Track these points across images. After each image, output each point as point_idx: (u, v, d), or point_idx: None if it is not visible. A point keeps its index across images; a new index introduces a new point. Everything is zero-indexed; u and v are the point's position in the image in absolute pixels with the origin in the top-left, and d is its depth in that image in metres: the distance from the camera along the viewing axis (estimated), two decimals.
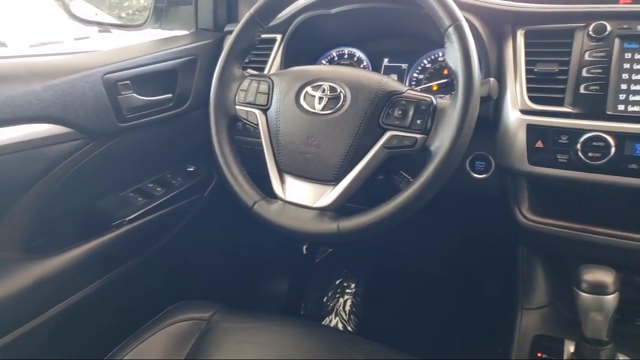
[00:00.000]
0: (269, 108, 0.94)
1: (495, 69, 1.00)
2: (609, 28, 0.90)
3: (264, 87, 0.96)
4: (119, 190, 1.29)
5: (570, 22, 0.95)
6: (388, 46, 1.24)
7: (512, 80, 0.97)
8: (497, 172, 1.01)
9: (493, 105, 0.99)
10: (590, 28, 0.92)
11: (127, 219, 1.22)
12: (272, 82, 0.96)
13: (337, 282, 1.77)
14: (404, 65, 1.22)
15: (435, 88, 1.17)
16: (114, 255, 1.20)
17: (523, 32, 0.99)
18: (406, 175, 0.95)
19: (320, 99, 0.89)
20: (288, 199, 0.89)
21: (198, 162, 1.41)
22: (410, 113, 0.83)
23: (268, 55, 1.26)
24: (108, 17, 1.64)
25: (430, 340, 1.44)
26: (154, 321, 1.00)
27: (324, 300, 1.73)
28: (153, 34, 1.51)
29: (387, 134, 0.84)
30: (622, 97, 0.88)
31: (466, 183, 1.05)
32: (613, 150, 0.86)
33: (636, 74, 0.88)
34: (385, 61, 1.25)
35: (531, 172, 0.93)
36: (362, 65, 1.26)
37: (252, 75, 1.00)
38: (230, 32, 1.01)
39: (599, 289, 0.75)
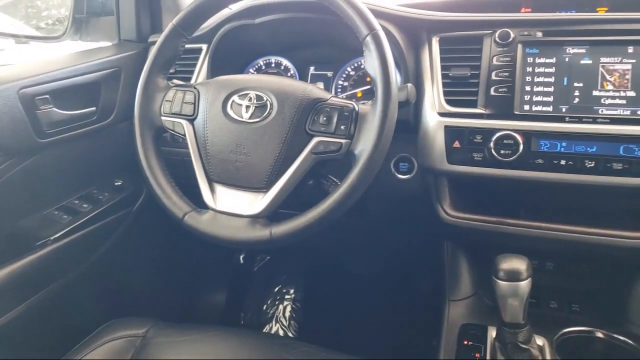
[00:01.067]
0: (195, 118, 0.94)
1: (414, 75, 1.06)
2: (512, 35, 0.98)
3: (189, 97, 0.95)
4: (43, 209, 1.23)
5: (478, 30, 1.02)
6: (314, 55, 1.27)
7: (430, 84, 1.03)
8: (420, 172, 1.07)
9: (413, 109, 1.05)
10: (496, 35, 0.99)
11: (52, 238, 1.17)
12: (198, 92, 0.95)
13: (276, 289, 1.78)
14: (330, 73, 1.26)
15: (359, 94, 1.21)
16: (38, 277, 1.14)
17: (438, 39, 1.05)
18: (334, 179, 0.97)
19: (247, 107, 0.90)
20: (219, 208, 0.90)
21: (125, 176, 1.37)
22: (335, 119, 0.86)
23: (194, 66, 1.26)
24: (25, 28, 1.56)
25: (368, 338, 1.48)
26: (87, 341, 0.96)
27: (264, 308, 1.73)
28: (74, 46, 1.46)
29: (314, 140, 0.86)
30: (527, 97, 0.96)
31: (392, 184, 1.10)
32: (521, 147, 0.93)
33: (537, 77, 0.96)
34: (312, 69, 1.28)
35: (450, 171, 0.99)
36: (289, 74, 1.28)
37: (177, 85, 1.00)
38: (154, 43, 1.00)
39: (513, 276, 0.81)
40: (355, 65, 1.22)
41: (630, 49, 0.92)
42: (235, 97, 0.92)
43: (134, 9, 1.40)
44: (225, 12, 1.21)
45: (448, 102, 1.00)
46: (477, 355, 0.90)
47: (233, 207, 0.88)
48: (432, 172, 1.04)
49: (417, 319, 1.23)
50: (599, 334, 0.96)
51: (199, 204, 0.93)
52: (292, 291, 1.77)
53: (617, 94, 0.91)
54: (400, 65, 1.07)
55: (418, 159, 1.06)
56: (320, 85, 1.25)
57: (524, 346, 0.83)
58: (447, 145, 0.98)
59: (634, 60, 0.91)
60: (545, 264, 1.09)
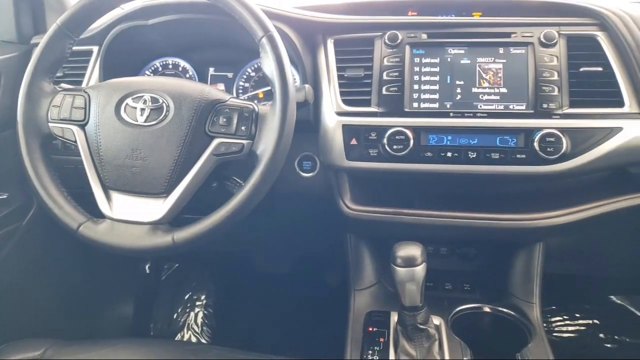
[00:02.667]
0: (87, 123, 0.90)
1: (312, 76, 1.09)
2: (400, 37, 1.05)
3: (79, 101, 0.91)
4: None
5: (370, 32, 1.08)
6: (213, 56, 1.26)
7: (327, 85, 1.07)
8: (322, 170, 1.10)
9: (312, 109, 1.08)
10: (386, 37, 1.05)
11: None
12: (89, 95, 0.91)
13: (186, 296, 1.74)
14: (230, 74, 1.25)
15: (261, 95, 1.23)
16: None
17: (332, 41, 1.09)
18: (238, 180, 0.98)
19: (142, 110, 0.88)
20: (117, 216, 0.86)
21: (12, 188, 1.27)
22: (235, 120, 0.86)
23: (85, 69, 1.19)
24: None
25: (282, 336, 1.50)
26: None
27: (174, 316, 1.69)
28: None
29: (215, 142, 0.86)
30: (415, 96, 1.03)
31: (297, 182, 1.12)
32: (412, 142, 0.99)
33: (424, 76, 1.04)
34: (211, 70, 1.27)
35: (349, 167, 1.03)
36: (187, 76, 1.26)
37: (65, 89, 0.94)
38: (37, 44, 0.94)
39: (409, 262, 0.87)
40: (256, 66, 1.23)
41: (501, 50, 1.02)
42: (129, 100, 0.89)
43: (12, 7, 1.30)
44: (116, 13, 1.16)
45: (345, 101, 1.05)
46: (382, 339, 0.96)
47: (132, 214, 0.86)
48: (333, 169, 1.08)
49: (327, 311, 1.27)
50: (487, 309, 1.06)
51: (96, 214, 0.89)
52: (203, 297, 1.74)
53: (492, 90, 1.01)
54: (298, 67, 1.10)
55: (320, 157, 1.10)
56: (221, 86, 1.25)
57: (422, 327, 0.89)
58: (345, 142, 1.03)
59: (504, 60, 1.01)
60: (439, 249, 1.18)
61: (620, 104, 0.96)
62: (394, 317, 0.98)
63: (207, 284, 1.78)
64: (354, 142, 1.03)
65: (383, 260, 1.16)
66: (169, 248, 0.83)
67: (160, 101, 0.88)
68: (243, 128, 0.86)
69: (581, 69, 0.99)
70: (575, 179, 0.99)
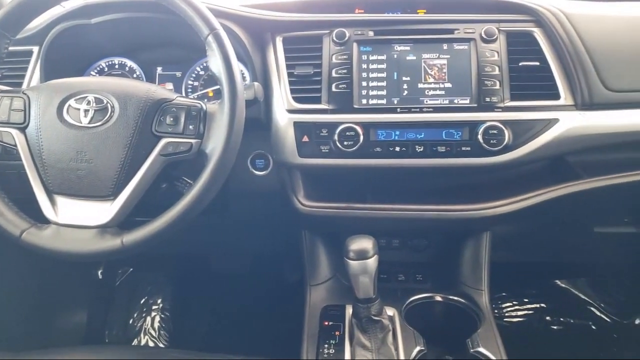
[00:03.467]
0: (27, 126, 0.87)
1: (261, 74, 1.09)
2: (347, 34, 1.06)
3: (18, 103, 0.88)
4: None
5: (318, 30, 1.09)
6: (161, 55, 1.24)
7: (277, 83, 1.07)
8: (275, 167, 1.11)
9: (264, 106, 1.08)
10: (334, 34, 1.06)
11: None
12: (28, 97, 0.88)
13: (142, 300, 1.70)
14: (179, 74, 1.24)
15: (211, 94, 1.22)
16: None
17: (281, 38, 1.10)
18: (188, 180, 0.97)
19: (86, 111, 0.85)
20: (62, 221, 0.84)
21: None
22: (182, 119, 0.85)
23: (25, 70, 1.15)
24: None
25: (240, 335, 1.50)
26: None
27: (130, 322, 1.65)
28: None
29: (162, 142, 0.85)
30: (364, 92, 1.05)
31: (250, 181, 1.12)
32: (362, 137, 1.01)
33: (372, 73, 1.05)
34: (159, 70, 1.24)
35: (302, 164, 1.04)
36: (134, 76, 1.23)
37: (1, 91, 0.91)
38: None
39: (362, 254, 0.88)
40: (205, 64, 1.22)
41: (445, 46, 1.05)
42: (71, 102, 0.86)
43: None
44: (57, 11, 1.12)
45: (295, 99, 1.05)
46: (337, 333, 0.97)
47: (78, 218, 0.84)
48: (285, 167, 1.08)
49: (285, 308, 1.28)
50: (438, 298, 1.09)
51: (40, 219, 0.86)
52: (159, 301, 1.70)
53: (437, 85, 1.04)
54: (247, 65, 1.10)
55: (272, 155, 1.10)
56: (170, 86, 1.23)
57: (376, 318, 0.91)
58: (297, 140, 1.03)
59: (448, 56, 1.04)
60: (392, 242, 1.20)
61: (557, 96, 1.01)
62: (349, 310, 1.00)
63: (164, 287, 1.75)
64: (305, 139, 1.04)
65: (338, 255, 1.18)
66: (118, 251, 0.82)
67: (105, 102, 0.86)
68: (191, 127, 0.85)
69: (520, 64, 1.03)
70: (518, 169, 1.04)
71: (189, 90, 1.22)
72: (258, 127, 1.07)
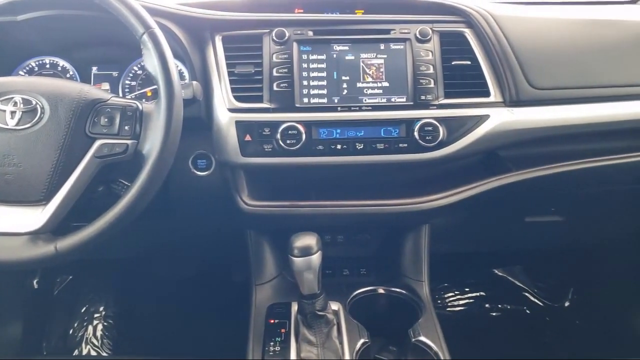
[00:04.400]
0: None
1: (201, 73, 1.08)
2: (287, 34, 1.07)
3: None
4: None
5: (258, 29, 1.09)
6: (96, 54, 1.20)
7: (218, 82, 1.06)
8: (218, 167, 1.10)
9: (204, 106, 1.07)
10: (273, 34, 1.07)
11: None
12: None
13: (83, 309, 1.64)
14: (115, 73, 1.20)
15: (149, 94, 1.19)
16: None
17: (220, 37, 1.09)
18: (126, 182, 0.94)
19: (13, 113, 0.82)
20: None
21: None
22: (117, 120, 0.83)
23: None
24: None
25: (187, 338, 1.47)
26: None
27: (70, 332, 1.58)
28: None
29: (97, 143, 0.83)
30: (305, 91, 1.06)
31: (192, 182, 1.11)
32: (304, 136, 1.02)
33: (312, 72, 1.07)
34: (94, 70, 1.20)
35: (245, 163, 1.04)
36: (68, 76, 1.18)
37: None
38: None
39: (305, 251, 0.89)
40: (142, 63, 1.19)
41: (382, 46, 1.08)
42: None
43: None
44: None
45: (236, 98, 1.05)
46: (283, 330, 0.98)
47: (6, 225, 0.80)
48: (228, 166, 1.08)
49: (233, 309, 1.27)
50: (381, 290, 1.12)
51: None
52: (101, 308, 1.65)
53: (375, 84, 1.07)
54: (186, 64, 1.08)
55: (215, 155, 1.09)
56: (106, 86, 1.19)
57: (321, 313, 0.93)
58: (239, 139, 1.03)
59: (385, 56, 1.07)
60: (337, 238, 1.23)
61: (487, 94, 1.07)
62: (295, 307, 1.01)
63: (106, 294, 1.69)
64: (248, 138, 1.03)
65: (284, 253, 1.19)
66: (51, 258, 0.79)
67: (34, 103, 0.83)
68: (126, 127, 0.83)
69: (453, 63, 1.08)
70: (453, 163, 1.08)
71: (127, 90, 1.19)
72: (199, 127, 1.06)
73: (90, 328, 1.61)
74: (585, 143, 1.14)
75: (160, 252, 1.59)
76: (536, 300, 1.81)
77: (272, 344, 0.94)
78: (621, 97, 1.11)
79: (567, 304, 1.79)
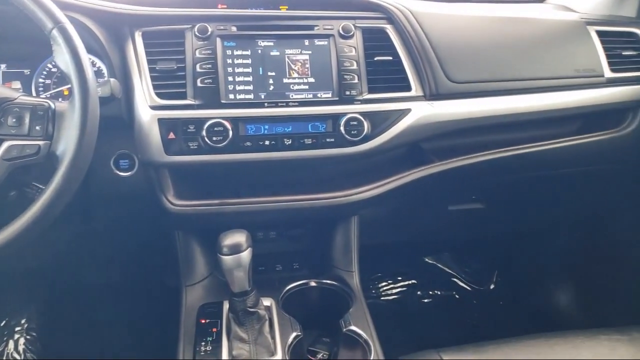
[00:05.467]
0: None
1: (120, 69, 1.04)
2: (210, 29, 1.05)
3: None
4: None
5: (179, 24, 1.06)
6: (4, 51, 1.13)
7: (138, 79, 1.03)
8: (141, 167, 1.06)
9: (125, 104, 1.03)
10: (196, 29, 1.05)
11: None
12: None
13: (2, 323, 1.53)
14: (27, 71, 1.13)
15: (66, 92, 1.13)
16: None
17: (140, 33, 1.05)
18: (40, 186, 0.89)
19: None
20: None
21: None
22: (27, 120, 0.79)
23: None
24: None
25: (118, 345, 1.42)
26: None
27: None
28: None
29: (5, 145, 0.78)
30: (230, 87, 1.05)
31: (115, 183, 1.07)
32: (231, 133, 1.01)
33: (237, 68, 1.06)
34: (3, 67, 1.13)
35: (170, 162, 1.01)
36: None
37: None
38: None
39: (235, 249, 0.89)
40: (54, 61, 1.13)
41: (306, 42, 1.09)
42: None
43: None
44: None
45: (159, 95, 1.02)
46: (214, 330, 0.97)
47: None
48: (152, 166, 1.05)
49: (162, 312, 1.23)
50: (313, 283, 1.14)
51: None
52: (23, 321, 1.55)
53: (301, 80, 1.07)
54: (104, 60, 1.04)
55: (138, 154, 1.05)
56: (17, 84, 1.12)
57: (252, 310, 0.93)
58: (162, 137, 1.00)
59: (310, 52, 1.08)
60: (269, 234, 1.23)
61: (408, 88, 1.10)
62: (227, 306, 1.00)
63: (28, 306, 1.59)
64: (172, 136, 1.01)
65: (215, 253, 1.17)
66: None
67: None
68: (38, 128, 0.79)
69: (375, 59, 1.10)
70: (379, 156, 1.12)
71: (41, 89, 1.12)
72: (120, 126, 1.02)
73: (11, 343, 1.51)
74: (502, 133, 1.22)
75: (85, 258, 1.52)
76: (464, 285, 1.91)
77: (203, 343, 0.93)
78: (532, 90, 1.18)
79: (492, 286, 1.90)
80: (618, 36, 1.26)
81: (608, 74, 1.22)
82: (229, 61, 1.06)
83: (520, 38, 1.21)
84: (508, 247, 1.88)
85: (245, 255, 0.90)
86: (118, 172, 1.07)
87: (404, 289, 1.86)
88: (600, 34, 1.24)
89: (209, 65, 1.04)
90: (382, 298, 1.84)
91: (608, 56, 1.22)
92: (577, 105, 1.20)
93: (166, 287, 1.38)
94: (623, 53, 1.24)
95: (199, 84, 1.03)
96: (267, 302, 1.02)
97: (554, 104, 1.19)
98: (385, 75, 1.10)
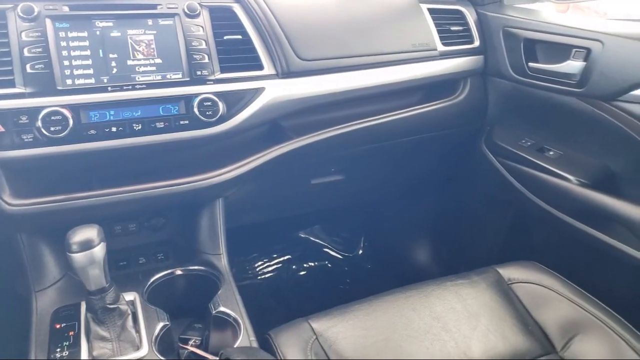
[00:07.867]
0: None
1: None
2: (36, 9, 0.95)
3: None
4: None
5: None
6: None
7: None
8: None
9: None
10: (19, 9, 0.94)
11: None
12: None
13: None
14: None
15: None
16: None
17: None
18: None
19: None
20: None
21: None
22: None
23: None
24: None
25: None
26: None
27: None
28: None
29: None
30: (67, 72, 0.96)
31: None
32: (71, 121, 0.94)
33: (74, 51, 0.97)
34: None
35: (1, 158, 0.91)
36: None
37: None
38: None
39: (85, 245, 0.83)
40: None
41: (150, 22, 1.03)
42: None
43: None
44: None
45: None
46: (71, 333, 0.90)
47: None
48: None
49: (13, 322, 1.12)
50: (179, 272, 1.11)
51: None
52: None
53: (148, 62, 1.02)
54: None
55: None
56: None
57: (112, 306, 0.88)
58: None
59: (154, 32, 1.03)
60: (128, 227, 1.16)
61: (260, 67, 1.11)
62: (85, 306, 0.94)
63: None
64: (0, 129, 0.90)
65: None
66: None
67: None
68: None
69: (225, 38, 1.09)
70: (239, 136, 1.11)
71: None
72: None
73: None
74: (354, 108, 1.29)
75: None
76: (335, 254, 2.01)
77: (58, 349, 0.86)
78: (377, 65, 1.26)
79: (360, 252, 2.02)
80: (447, 13, 1.39)
81: (440, 47, 1.34)
82: (63, 44, 0.97)
83: (363, 16, 1.27)
84: (371, 213, 2.01)
85: (98, 250, 0.84)
86: None
87: (279, 265, 1.90)
88: (431, 11, 1.36)
89: (39, 49, 0.94)
90: (259, 277, 1.86)
91: (439, 31, 1.35)
92: (417, 77, 1.31)
93: (17, 295, 1.24)
94: (451, 28, 1.37)
95: (28, 70, 0.93)
96: (129, 296, 0.98)
97: (397, 78, 1.28)
98: (237, 55, 1.09)
